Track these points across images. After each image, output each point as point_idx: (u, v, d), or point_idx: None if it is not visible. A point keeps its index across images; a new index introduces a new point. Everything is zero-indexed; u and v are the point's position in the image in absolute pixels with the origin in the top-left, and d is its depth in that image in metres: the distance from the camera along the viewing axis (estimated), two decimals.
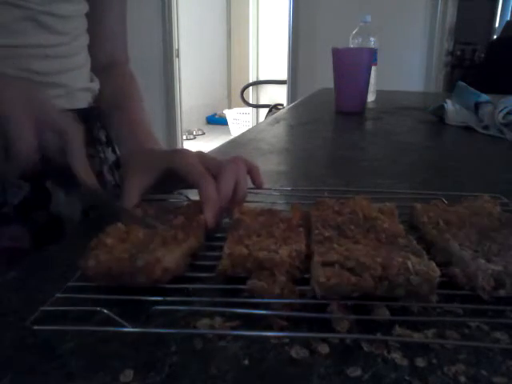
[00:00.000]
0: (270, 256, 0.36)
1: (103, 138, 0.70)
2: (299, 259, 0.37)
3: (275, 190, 0.58)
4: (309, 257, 0.38)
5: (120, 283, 0.36)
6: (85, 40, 0.65)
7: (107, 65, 0.71)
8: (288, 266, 0.36)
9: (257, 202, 0.52)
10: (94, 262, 0.36)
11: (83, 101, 0.64)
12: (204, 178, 0.46)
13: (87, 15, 0.64)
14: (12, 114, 0.41)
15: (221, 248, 0.39)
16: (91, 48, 0.67)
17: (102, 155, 0.69)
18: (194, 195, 0.51)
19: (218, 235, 0.45)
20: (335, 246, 0.36)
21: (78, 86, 0.62)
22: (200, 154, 0.50)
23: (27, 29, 0.53)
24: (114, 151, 0.73)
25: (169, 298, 0.35)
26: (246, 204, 0.48)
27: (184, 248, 0.39)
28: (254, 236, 0.40)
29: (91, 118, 0.66)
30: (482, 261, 0.35)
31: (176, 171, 0.48)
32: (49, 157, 0.45)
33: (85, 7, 0.63)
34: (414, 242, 0.38)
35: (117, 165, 0.73)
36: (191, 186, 0.48)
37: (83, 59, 0.64)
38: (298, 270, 0.37)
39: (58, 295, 0.35)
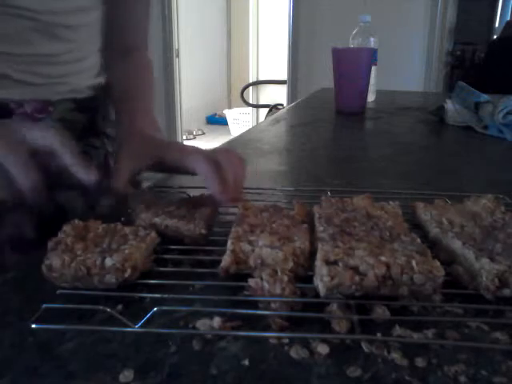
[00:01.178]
0: (273, 253, 0.36)
1: (110, 132, 0.71)
2: (303, 257, 0.37)
3: (278, 190, 0.59)
4: (312, 254, 0.38)
5: (86, 285, 0.35)
6: (95, 44, 0.65)
7: (128, 50, 0.73)
8: (292, 264, 0.36)
9: (260, 201, 0.52)
10: (59, 264, 0.35)
11: (85, 94, 0.65)
12: (200, 160, 0.47)
13: (114, 7, 0.65)
14: (4, 157, 0.40)
15: (224, 243, 0.39)
16: (115, 33, 0.69)
17: (109, 148, 0.69)
18: (195, 193, 0.52)
19: (221, 230, 0.45)
20: (339, 243, 0.36)
21: (83, 84, 0.63)
22: (195, 148, 0.52)
23: (36, 39, 0.54)
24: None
25: (170, 296, 0.35)
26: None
27: (148, 243, 0.39)
28: (258, 232, 0.40)
29: (92, 108, 0.66)
30: (486, 260, 0.35)
31: (167, 162, 0.50)
32: (53, 173, 0.44)
33: (96, 16, 0.63)
34: (418, 240, 0.38)
35: None
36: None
37: (91, 62, 0.64)
38: (301, 268, 0.37)
39: (60, 291, 0.35)
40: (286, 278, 0.35)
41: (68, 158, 0.43)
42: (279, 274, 0.35)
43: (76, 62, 0.60)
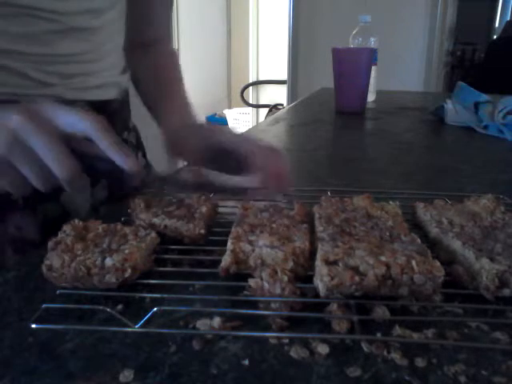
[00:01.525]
0: (273, 253, 0.36)
1: (128, 137, 0.70)
2: (303, 257, 0.37)
3: None
4: (312, 254, 0.38)
5: (87, 285, 0.35)
6: (115, 43, 0.64)
7: (151, 42, 0.73)
8: (292, 264, 0.36)
9: (260, 201, 0.52)
10: (59, 264, 0.35)
11: (106, 95, 0.64)
12: (254, 150, 0.50)
13: (135, 2, 0.66)
14: (32, 137, 0.36)
15: (224, 243, 0.39)
16: (139, 26, 0.69)
17: None
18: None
19: (221, 230, 0.45)
20: (339, 243, 0.36)
21: (99, 84, 0.62)
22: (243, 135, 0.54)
23: (56, 40, 0.54)
24: (144, 156, 0.74)
25: (170, 296, 0.35)
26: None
27: (148, 243, 0.39)
28: (258, 232, 0.40)
29: (109, 111, 0.65)
30: (486, 260, 0.35)
31: (223, 147, 0.51)
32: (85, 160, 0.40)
33: (114, 15, 0.62)
34: (418, 240, 0.38)
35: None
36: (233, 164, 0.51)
37: (109, 62, 0.63)
38: (301, 268, 0.37)
39: (60, 291, 0.35)
40: (285, 278, 0.35)
41: (106, 144, 0.39)
42: (279, 274, 0.35)
43: (92, 62, 0.59)
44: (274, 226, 0.41)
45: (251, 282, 0.35)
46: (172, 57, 0.75)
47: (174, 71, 0.72)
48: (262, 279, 0.35)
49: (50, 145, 0.37)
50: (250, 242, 0.38)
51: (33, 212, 0.55)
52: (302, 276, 0.37)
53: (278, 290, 0.34)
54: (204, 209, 0.45)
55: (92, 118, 0.39)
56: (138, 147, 0.72)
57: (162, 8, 0.74)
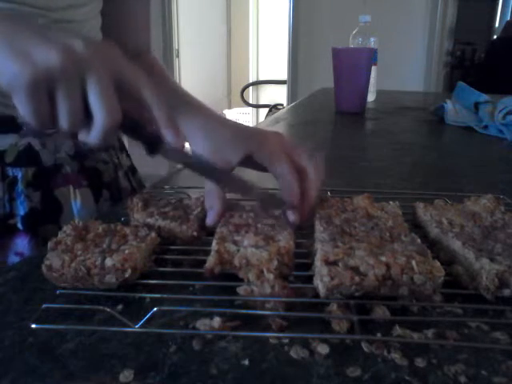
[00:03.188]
0: (258, 253, 0.36)
1: (116, 143, 0.70)
2: (287, 256, 0.37)
3: (278, 190, 0.58)
4: (297, 254, 0.38)
5: (86, 285, 0.35)
6: (98, 39, 0.63)
7: (132, 55, 0.69)
8: (276, 263, 0.36)
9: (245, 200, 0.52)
10: (59, 264, 0.35)
11: None
12: (286, 171, 0.43)
13: (113, 7, 0.63)
14: (90, 69, 0.32)
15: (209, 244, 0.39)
16: (117, 39, 0.66)
17: (115, 160, 0.68)
18: (195, 193, 0.51)
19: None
20: (339, 244, 0.36)
21: None
22: (281, 140, 0.47)
23: None
24: (128, 156, 0.73)
25: (170, 296, 0.35)
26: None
27: (148, 243, 0.39)
28: (243, 232, 0.40)
29: None
30: (486, 260, 0.35)
31: (254, 158, 0.45)
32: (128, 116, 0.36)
33: (98, 5, 0.61)
34: (418, 240, 0.38)
35: (132, 170, 0.73)
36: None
37: None
38: (286, 267, 0.37)
39: (60, 291, 0.35)
40: (272, 276, 0.35)
41: (159, 113, 0.36)
42: (265, 273, 0.35)
43: None
44: (258, 226, 0.41)
45: (240, 290, 0.35)
46: (157, 63, 0.69)
47: (164, 73, 0.66)
48: (248, 283, 0.35)
49: (106, 86, 0.33)
50: (235, 243, 0.38)
51: (32, 235, 0.53)
52: (287, 275, 0.37)
53: (267, 290, 0.34)
54: (199, 210, 0.45)
55: (151, 84, 0.36)
56: (121, 149, 0.71)
57: (139, 15, 0.69)
